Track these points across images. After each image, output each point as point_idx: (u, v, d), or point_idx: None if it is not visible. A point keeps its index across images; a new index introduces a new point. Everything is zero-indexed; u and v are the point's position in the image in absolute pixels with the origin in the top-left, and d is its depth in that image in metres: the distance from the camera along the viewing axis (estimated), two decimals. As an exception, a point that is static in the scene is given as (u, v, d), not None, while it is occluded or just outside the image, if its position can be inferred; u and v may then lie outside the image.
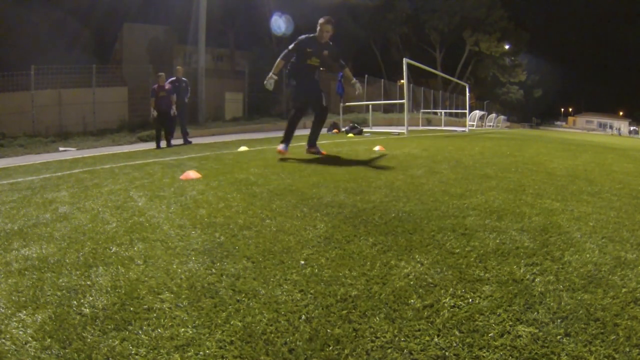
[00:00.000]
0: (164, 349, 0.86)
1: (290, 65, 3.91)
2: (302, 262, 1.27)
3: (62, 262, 1.35)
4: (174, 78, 7.92)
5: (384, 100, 20.34)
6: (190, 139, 8.13)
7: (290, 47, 3.79)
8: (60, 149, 8.43)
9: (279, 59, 3.80)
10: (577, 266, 1.20)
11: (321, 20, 3.83)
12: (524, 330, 0.87)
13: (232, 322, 0.94)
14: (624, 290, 1.05)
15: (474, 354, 0.81)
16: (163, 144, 7.35)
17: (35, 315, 1.01)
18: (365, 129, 10.42)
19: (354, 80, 4.40)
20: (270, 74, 3.78)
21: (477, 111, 20.23)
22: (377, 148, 4.56)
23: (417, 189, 2.26)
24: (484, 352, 0.81)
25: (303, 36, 3.85)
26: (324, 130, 11.01)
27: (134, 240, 1.53)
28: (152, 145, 7.64)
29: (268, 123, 13.50)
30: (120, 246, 1.47)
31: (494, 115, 23.32)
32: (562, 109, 60.47)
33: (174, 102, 7.51)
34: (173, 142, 7.55)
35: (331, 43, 3.94)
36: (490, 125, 21.19)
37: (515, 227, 1.55)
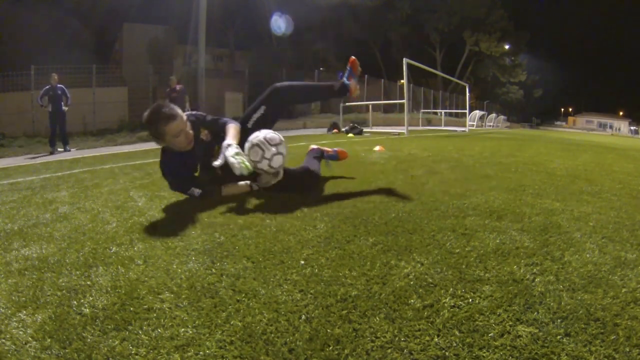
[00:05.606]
0: (164, 349, 0.86)
1: None
2: (302, 262, 1.27)
3: (62, 262, 1.35)
4: (48, 87, 7.93)
5: (384, 100, 20.35)
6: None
7: None
8: (60, 149, 8.43)
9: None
10: (577, 266, 1.20)
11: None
12: (524, 330, 0.87)
13: (232, 322, 0.94)
14: (624, 290, 1.05)
15: (474, 354, 0.81)
16: None
17: (35, 315, 1.01)
18: (365, 129, 10.41)
19: None
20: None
21: (477, 111, 20.24)
22: (377, 148, 4.55)
23: (417, 189, 2.26)
24: (484, 352, 0.81)
25: None
26: (324, 130, 10.99)
27: (134, 240, 1.53)
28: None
29: (268, 123, 13.45)
30: (120, 246, 1.47)
31: (494, 115, 23.34)
32: (562, 109, 60.48)
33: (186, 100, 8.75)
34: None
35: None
36: (490, 125, 21.19)
37: (515, 227, 1.55)
